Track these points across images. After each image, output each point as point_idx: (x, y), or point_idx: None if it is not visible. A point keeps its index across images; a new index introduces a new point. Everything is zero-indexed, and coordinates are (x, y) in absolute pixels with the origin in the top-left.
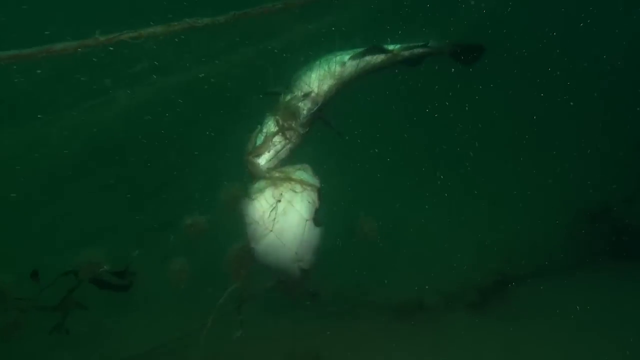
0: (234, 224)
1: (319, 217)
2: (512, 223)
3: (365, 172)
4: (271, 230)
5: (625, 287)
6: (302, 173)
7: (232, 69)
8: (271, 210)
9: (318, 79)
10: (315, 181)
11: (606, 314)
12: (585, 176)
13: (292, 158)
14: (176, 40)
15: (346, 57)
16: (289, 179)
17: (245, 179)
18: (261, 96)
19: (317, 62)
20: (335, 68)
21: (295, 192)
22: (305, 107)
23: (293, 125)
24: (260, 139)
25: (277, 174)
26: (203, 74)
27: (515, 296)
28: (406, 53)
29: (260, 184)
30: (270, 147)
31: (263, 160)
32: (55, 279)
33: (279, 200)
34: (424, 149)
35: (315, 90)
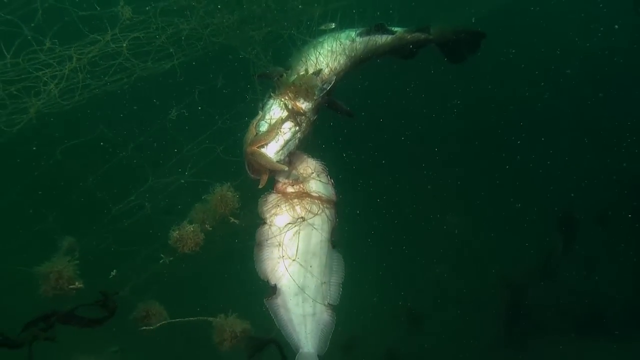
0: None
1: (336, 238)
2: None
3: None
4: (294, 260)
5: None
6: (319, 184)
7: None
8: (293, 235)
9: (330, 54)
10: (331, 191)
11: None
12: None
13: (300, 149)
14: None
15: (353, 34)
16: (305, 195)
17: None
18: (254, 77)
19: (324, 39)
20: (346, 43)
21: (314, 213)
22: (318, 85)
23: (305, 108)
24: (263, 127)
25: (290, 188)
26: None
27: None
28: (409, 36)
29: (271, 199)
30: (278, 135)
31: (271, 151)
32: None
33: (300, 220)
34: None
35: (328, 66)
